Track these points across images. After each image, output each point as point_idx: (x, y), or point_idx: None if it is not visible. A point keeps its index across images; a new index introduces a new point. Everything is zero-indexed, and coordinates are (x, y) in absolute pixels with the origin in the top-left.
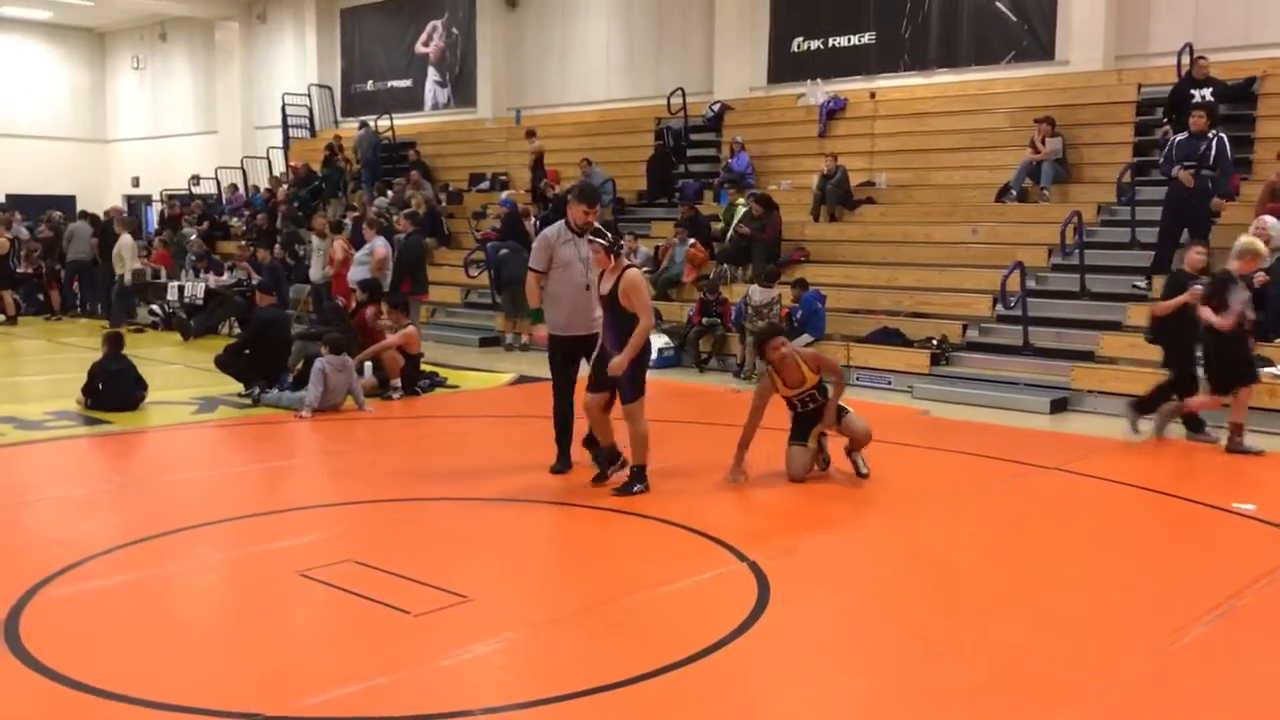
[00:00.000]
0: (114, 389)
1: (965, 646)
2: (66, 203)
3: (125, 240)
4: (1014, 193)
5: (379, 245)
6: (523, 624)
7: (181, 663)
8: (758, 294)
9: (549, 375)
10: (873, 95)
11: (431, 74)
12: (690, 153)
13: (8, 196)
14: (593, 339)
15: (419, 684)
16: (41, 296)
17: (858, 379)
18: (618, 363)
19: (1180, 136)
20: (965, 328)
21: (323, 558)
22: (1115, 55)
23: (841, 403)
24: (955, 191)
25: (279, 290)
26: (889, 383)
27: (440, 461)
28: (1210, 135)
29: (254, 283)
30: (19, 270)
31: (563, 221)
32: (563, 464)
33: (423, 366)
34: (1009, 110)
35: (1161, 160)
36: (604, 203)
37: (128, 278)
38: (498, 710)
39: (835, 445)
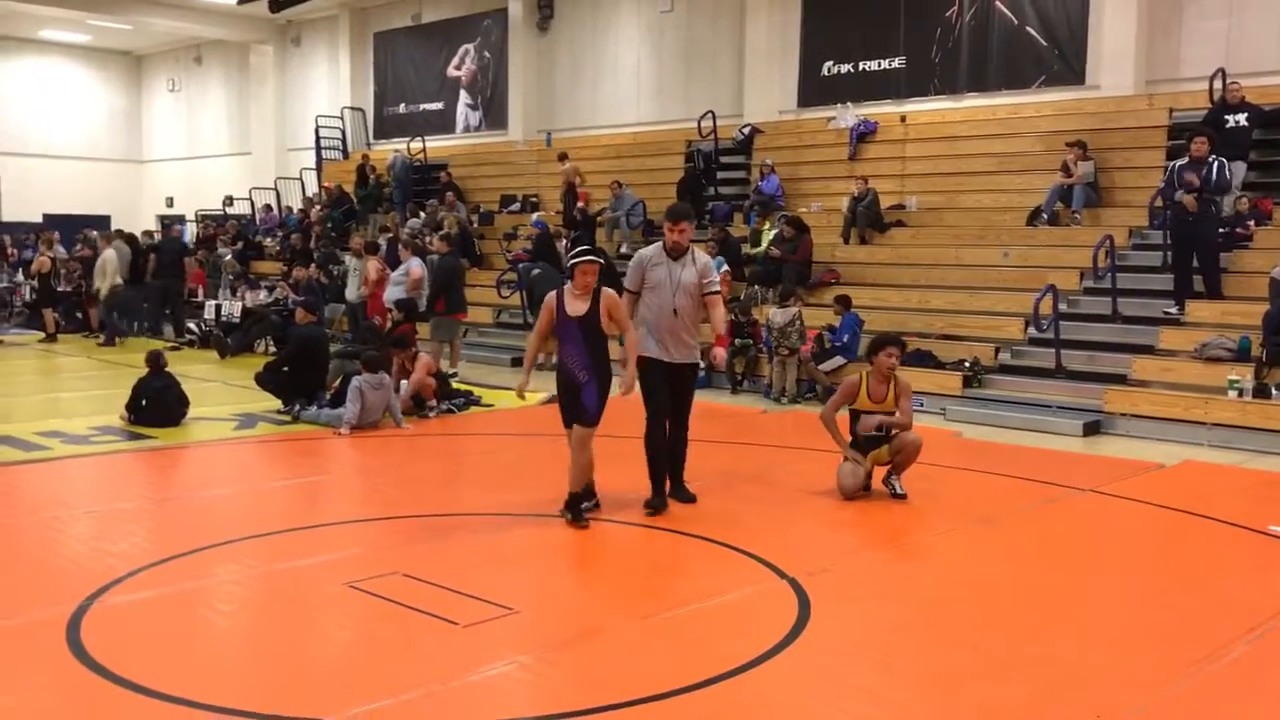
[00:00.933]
0: (157, 405)
1: (1009, 664)
2: (102, 223)
3: (109, 254)
4: (1045, 216)
5: (415, 265)
6: (568, 636)
7: (235, 669)
8: (777, 315)
9: None
10: (903, 119)
11: (463, 97)
12: (720, 175)
13: (45, 216)
14: (685, 369)
15: (468, 692)
16: (80, 315)
17: None
18: (629, 383)
19: (1181, 162)
20: (997, 350)
21: (370, 570)
22: (1146, 80)
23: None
24: (986, 214)
25: (318, 309)
26: (921, 404)
27: (479, 478)
28: (1210, 160)
29: (290, 302)
30: (59, 289)
31: (660, 243)
32: (659, 500)
33: (457, 385)
34: (1039, 134)
35: (1163, 186)
36: (632, 224)
37: (103, 291)
38: (546, 719)
39: (875, 469)
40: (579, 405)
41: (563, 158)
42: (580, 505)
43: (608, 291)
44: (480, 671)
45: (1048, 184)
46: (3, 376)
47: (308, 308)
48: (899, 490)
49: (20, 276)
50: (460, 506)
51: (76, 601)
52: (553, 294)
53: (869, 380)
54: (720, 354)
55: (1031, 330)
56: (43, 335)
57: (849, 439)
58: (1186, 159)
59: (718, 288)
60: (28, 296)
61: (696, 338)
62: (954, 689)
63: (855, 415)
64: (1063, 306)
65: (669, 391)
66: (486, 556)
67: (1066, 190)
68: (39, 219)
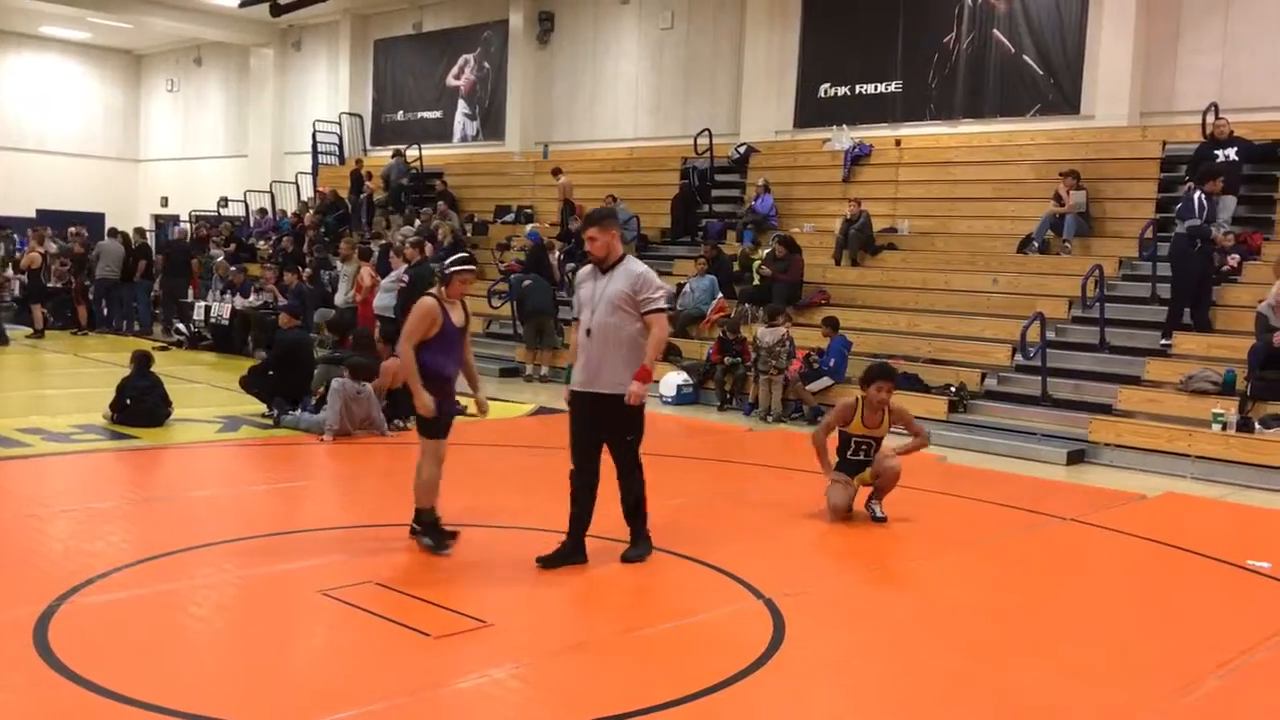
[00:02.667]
0: (141, 405)
1: (978, 691)
2: (96, 220)
3: (106, 243)
4: (1036, 244)
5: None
6: (540, 650)
7: (205, 674)
8: (766, 335)
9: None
10: (898, 143)
11: (461, 106)
12: (715, 193)
13: (38, 212)
14: (604, 400)
15: (438, 704)
16: (69, 312)
17: None
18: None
19: (1203, 196)
20: (984, 376)
21: (344, 578)
22: (1140, 111)
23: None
24: (977, 240)
25: (304, 314)
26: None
27: (461, 488)
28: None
29: (280, 305)
30: (48, 285)
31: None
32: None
33: None
34: (1033, 162)
35: (1194, 221)
36: (626, 239)
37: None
38: None
39: (862, 493)
40: (451, 414)
41: (556, 173)
42: (442, 527)
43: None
44: (451, 684)
45: (1039, 212)
46: None
47: (291, 312)
48: (880, 514)
49: (10, 272)
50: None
51: (46, 601)
52: (432, 301)
53: (863, 407)
54: (634, 389)
55: (1019, 357)
56: (30, 331)
57: (835, 460)
58: (1202, 193)
59: (661, 304)
60: (16, 292)
61: (631, 365)
62: (921, 715)
63: (845, 439)
64: (1050, 335)
65: (590, 429)
66: (462, 568)
67: (1058, 219)
68: (33, 214)
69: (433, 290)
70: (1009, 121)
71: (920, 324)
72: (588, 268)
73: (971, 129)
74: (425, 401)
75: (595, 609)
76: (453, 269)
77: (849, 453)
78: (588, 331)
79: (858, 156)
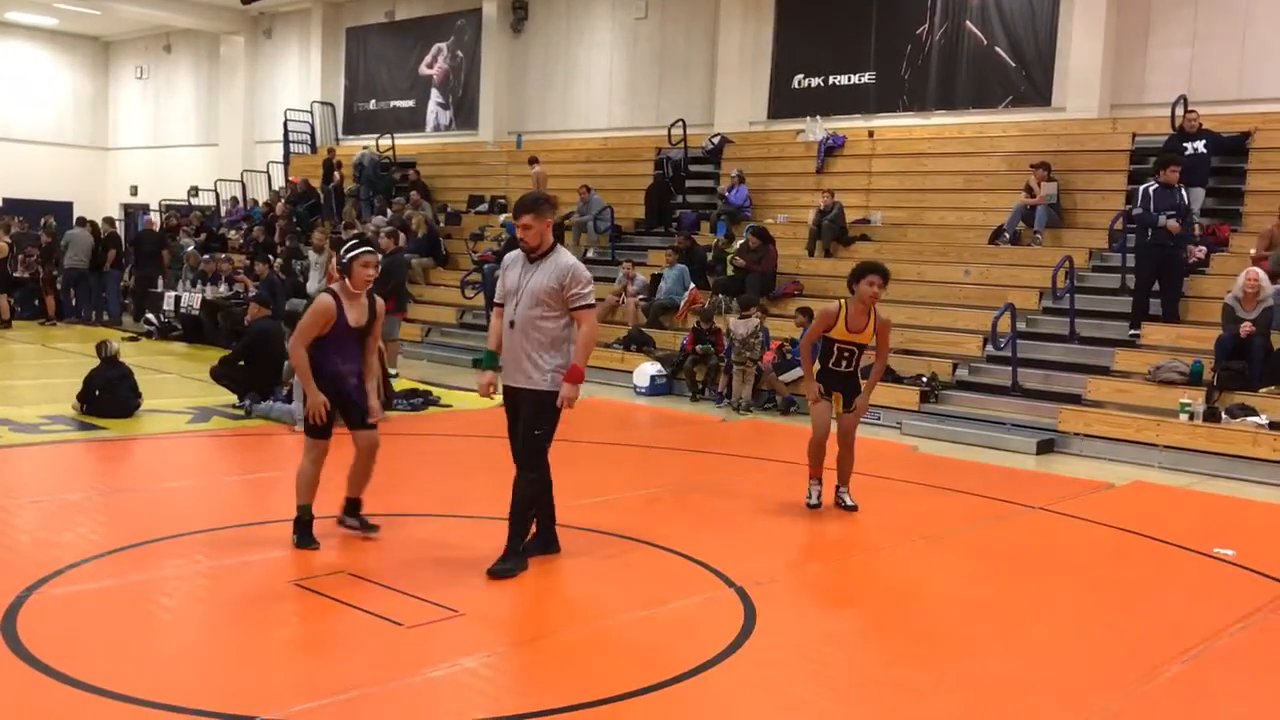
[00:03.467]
0: (110, 396)
1: (946, 678)
2: (64, 209)
3: (76, 232)
4: (1007, 235)
5: None
6: (511, 640)
7: (176, 664)
8: (740, 326)
9: None
10: (871, 134)
11: (434, 95)
12: (689, 183)
13: (5, 200)
14: (521, 394)
15: (410, 693)
16: (37, 301)
17: None
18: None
19: (1153, 187)
20: (955, 366)
21: (316, 568)
22: (1111, 104)
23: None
24: (949, 232)
25: (274, 303)
26: (878, 418)
27: (433, 479)
28: (1178, 187)
29: (250, 295)
30: (15, 275)
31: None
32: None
33: (416, 385)
34: (1005, 154)
35: (1138, 210)
36: (599, 229)
37: (66, 262)
38: None
39: (828, 482)
40: (364, 407)
41: (533, 161)
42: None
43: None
44: (423, 673)
45: (1011, 203)
46: None
47: (260, 302)
48: (849, 503)
49: None
50: (411, 507)
51: (14, 593)
52: (328, 299)
53: (849, 309)
54: (567, 393)
55: (990, 348)
56: None
57: (818, 368)
58: (1156, 184)
59: (589, 300)
60: None
61: (548, 359)
62: (888, 701)
63: (828, 346)
64: (1021, 325)
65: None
66: (434, 558)
67: (1029, 210)
68: None
69: (333, 286)
70: (981, 113)
71: (892, 315)
72: (516, 253)
73: (944, 120)
74: (315, 401)
75: (566, 598)
76: (349, 255)
77: (830, 361)
78: (511, 322)
79: (831, 147)
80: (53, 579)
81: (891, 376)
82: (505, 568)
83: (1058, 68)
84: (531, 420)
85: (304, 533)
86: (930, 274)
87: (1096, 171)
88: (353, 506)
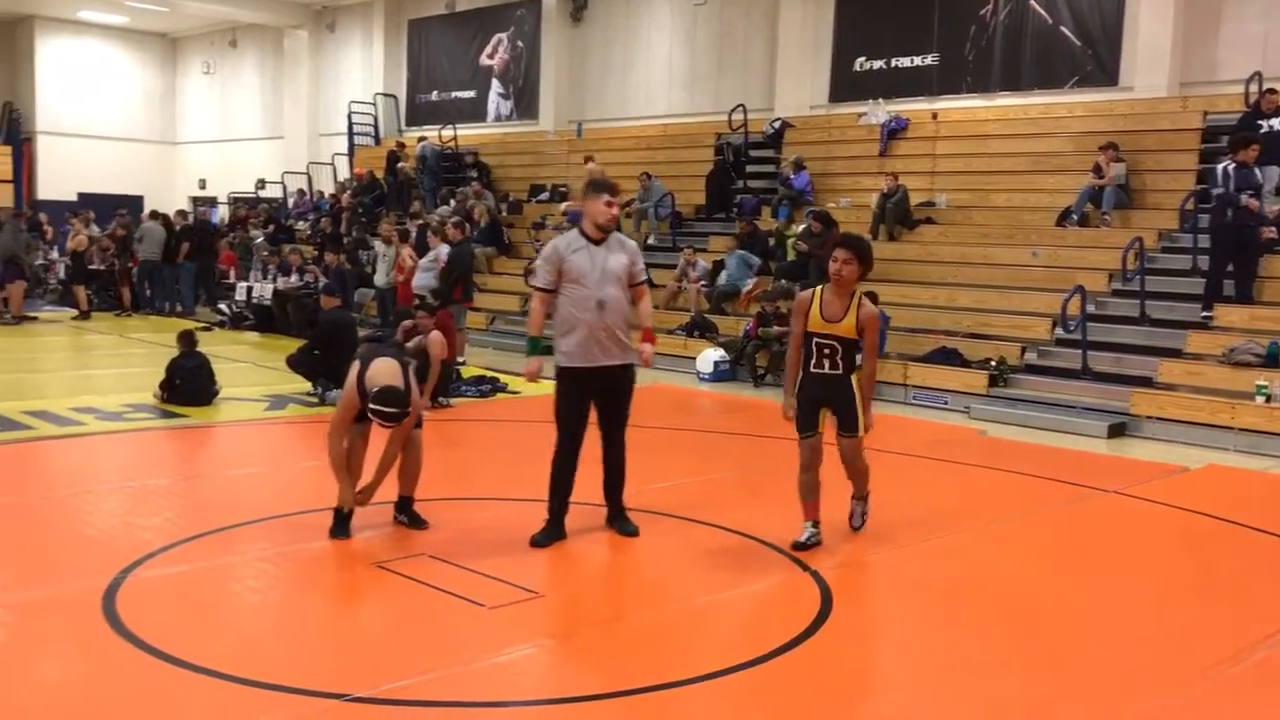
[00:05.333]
0: (190, 384)
1: (1027, 661)
2: (136, 203)
3: (149, 225)
4: (1075, 217)
5: (443, 253)
6: (592, 621)
7: (267, 643)
8: None
9: None
10: (934, 116)
11: (495, 86)
12: (750, 169)
13: (80, 195)
14: (624, 370)
15: (494, 673)
16: (112, 293)
17: (914, 398)
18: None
19: (1230, 165)
20: (1024, 350)
21: (397, 551)
22: (1181, 82)
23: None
24: (1015, 214)
25: (344, 294)
26: (945, 402)
27: (505, 463)
28: (1254, 166)
29: (320, 286)
30: (91, 267)
31: (576, 229)
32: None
33: (484, 372)
34: (1071, 135)
35: (1219, 189)
36: (660, 216)
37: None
38: (569, 700)
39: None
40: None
41: (588, 160)
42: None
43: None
44: (505, 653)
45: (1078, 185)
46: (38, 353)
47: (330, 293)
48: (857, 524)
49: (55, 254)
50: (485, 490)
51: (111, 574)
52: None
53: (823, 294)
54: (649, 351)
55: (1059, 331)
56: (76, 313)
57: (800, 377)
58: (1233, 163)
59: (646, 277)
60: (61, 274)
61: (630, 335)
62: (969, 682)
63: (807, 343)
64: (1091, 308)
65: (592, 405)
66: (512, 541)
67: (1097, 192)
68: (74, 198)
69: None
70: (1046, 94)
71: (959, 298)
72: (569, 238)
73: (1009, 101)
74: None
75: (642, 581)
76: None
77: (812, 362)
78: (599, 304)
79: (894, 130)
80: (146, 561)
81: (959, 360)
82: (635, 527)
83: (1125, 46)
84: (625, 394)
85: (339, 524)
86: (997, 257)
87: (1166, 151)
88: (404, 503)
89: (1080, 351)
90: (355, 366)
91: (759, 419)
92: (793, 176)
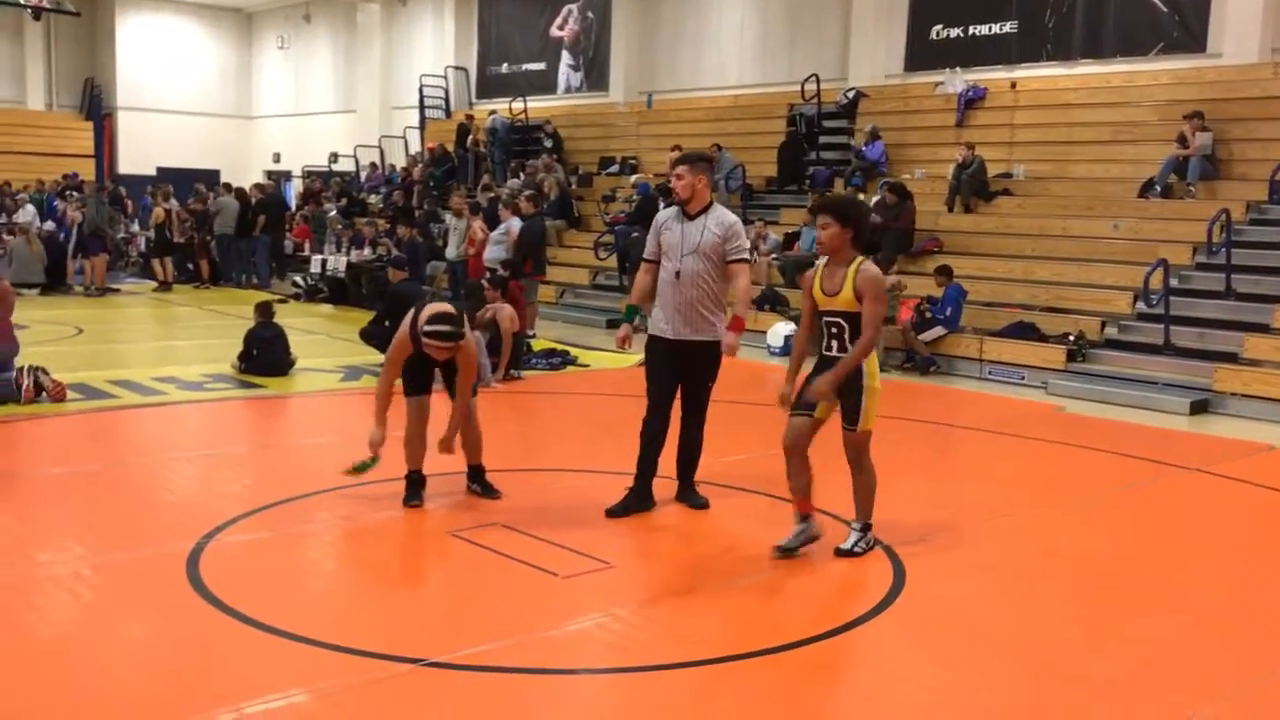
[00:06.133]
0: (266, 355)
1: (1105, 638)
2: (212, 177)
3: (225, 200)
4: (1158, 188)
5: (514, 225)
6: (663, 592)
7: (342, 608)
8: None
9: None
10: (1013, 85)
11: (565, 57)
12: (822, 140)
13: (159, 170)
14: (696, 346)
15: (565, 641)
16: (191, 266)
17: (990, 373)
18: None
19: None
20: (1104, 324)
21: (471, 520)
22: (1272, 48)
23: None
24: (1096, 185)
25: (415, 266)
26: (1022, 378)
27: (576, 435)
28: None
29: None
30: (172, 240)
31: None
32: (629, 501)
33: (554, 345)
34: (1155, 104)
35: None
36: (731, 188)
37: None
38: (640, 669)
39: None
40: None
41: (675, 150)
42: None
43: None
44: (577, 622)
45: (1162, 155)
46: (120, 324)
47: (398, 265)
48: (845, 546)
49: (136, 227)
50: (556, 462)
51: (194, 539)
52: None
53: (824, 268)
54: (731, 341)
55: (1140, 305)
56: (156, 285)
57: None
58: None
59: (744, 254)
60: (143, 247)
61: (718, 312)
62: (1045, 660)
63: (819, 321)
64: (1174, 281)
65: (673, 375)
66: (584, 512)
67: (1182, 162)
68: (153, 172)
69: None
70: (1130, 61)
71: (1037, 271)
72: (671, 211)
73: (1090, 70)
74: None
75: (714, 553)
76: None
77: (823, 345)
78: (676, 274)
79: (971, 100)
80: (227, 527)
81: (1037, 335)
82: (704, 500)
83: (1214, 12)
84: (702, 372)
85: (412, 489)
86: (1076, 229)
87: (1256, 120)
88: (474, 473)
89: (1162, 326)
90: (410, 314)
91: None
92: (866, 147)
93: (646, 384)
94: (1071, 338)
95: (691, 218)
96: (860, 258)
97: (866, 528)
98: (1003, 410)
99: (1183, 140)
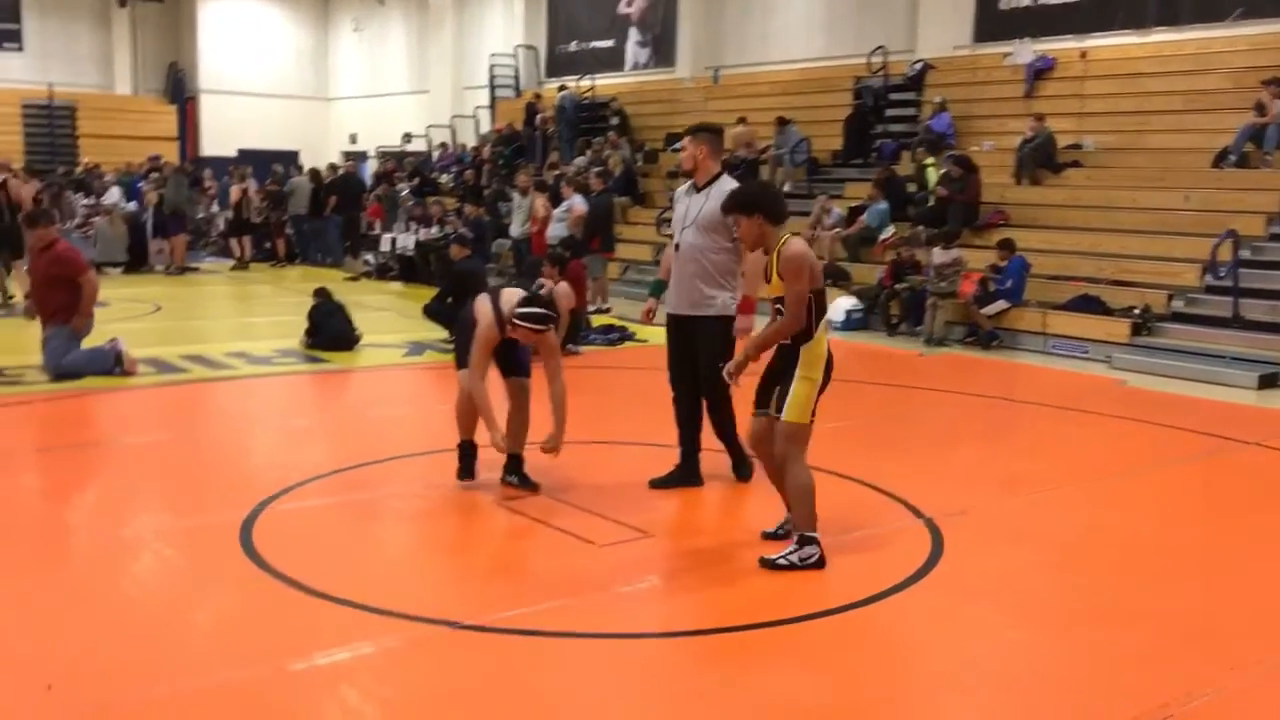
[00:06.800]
0: (330, 330)
1: (1138, 611)
2: (291, 158)
3: (298, 180)
4: (1233, 158)
5: (577, 202)
6: (700, 561)
7: (385, 573)
8: (939, 254)
9: None
10: (1083, 55)
11: (633, 34)
12: (889, 112)
13: (239, 152)
14: (694, 322)
15: (601, 607)
16: (268, 245)
17: (1053, 347)
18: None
19: None
20: (1170, 297)
21: (518, 491)
22: None
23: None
24: (1168, 156)
25: (480, 244)
26: (1085, 352)
27: (627, 409)
28: None
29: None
30: (250, 220)
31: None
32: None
33: (613, 320)
34: (1231, 70)
35: None
36: (796, 162)
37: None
38: (674, 635)
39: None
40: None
41: (740, 121)
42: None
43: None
44: (614, 589)
45: (1237, 124)
46: (199, 301)
47: (460, 242)
48: (777, 560)
49: (216, 207)
50: (606, 435)
51: (250, 506)
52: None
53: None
54: (741, 324)
55: (1209, 277)
56: (233, 263)
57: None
58: None
59: None
60: (222, 227)
61: (720, 288)
62: (1076, 632)
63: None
64: (1245, 253)
65: (681, 353)
66: (627, 483)
67: (1259, 130)
68: (235, 154)
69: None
70: (1206, 28)
71: (1103, 244)
72: (687, 184)
73: (1164, 37)
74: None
75: (754, 523)
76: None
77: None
78: (677, 248)
79: (1040, 70)
80: (282, 495)
81: (1101, 308)
82: (745, 474)
83: None
84: (707, 350)
85: (465, 465)
86: (1145, 200)
87: None
88: (514, 463)
89: (1231, 299)
90: (485, 301)
91: (889, 368)
92: (932, 119)
93: None
94: (1137, 311)
95: (700, 190)
96: (785, 237)
97: (806, 540)
98: (1063, 385)
99: (1260, 108)
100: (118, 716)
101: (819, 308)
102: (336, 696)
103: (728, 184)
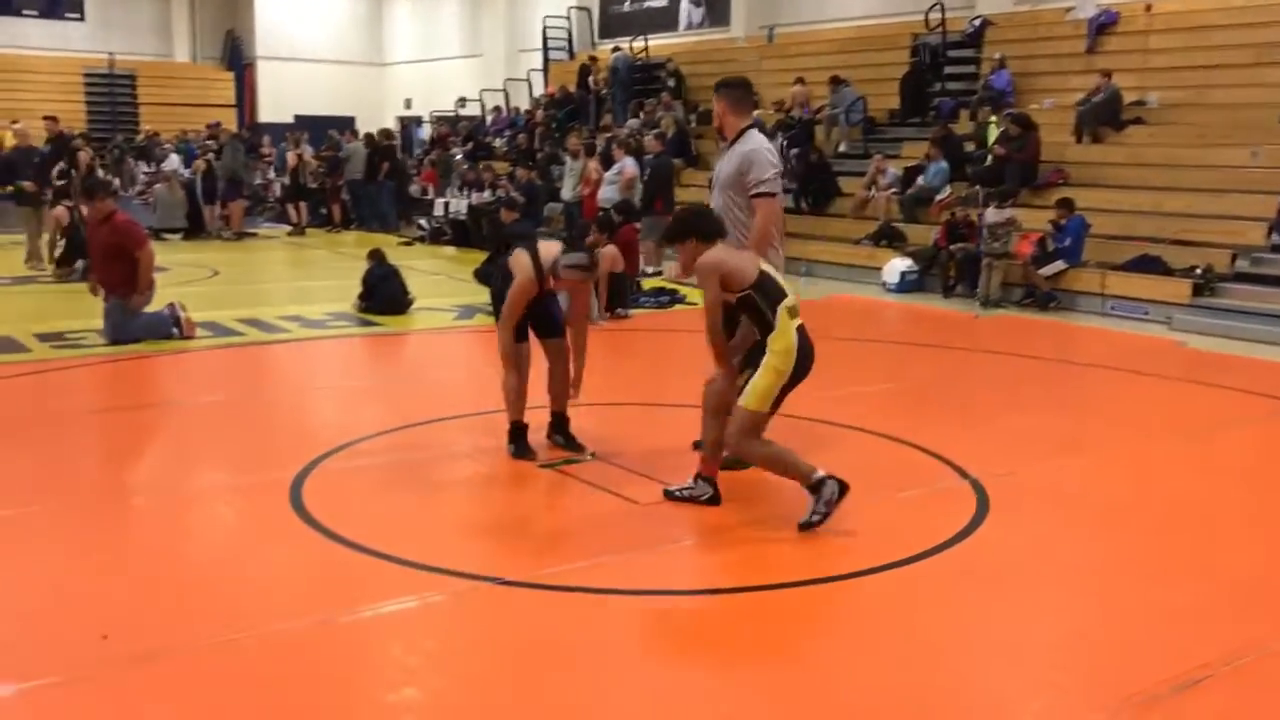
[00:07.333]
0: (383, 294)
1: (1184, 571)
2: (347, 124)
3: (354, 145)
4: None
5: (628, 165)
6: (745, 519)
7: (430, 530)
8: (992, 214)
9: None
10: (1148, 8)
11: None
12: (947, 70)
13: (296, 118)
14: None
15: (642, 564)
16: (324, 210)
17: (1112, 308)
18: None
19: None
20: (1235, 257)
21: (563, 452)
22: None
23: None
24: (1236, 111)
25: (532, 208)
26: (1145, 313)
27: (675, 371)
28: None
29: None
30: (306, 186)
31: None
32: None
33: (664, 284)
34: None
35: None
36: (851, 122)
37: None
38: (715, 592)
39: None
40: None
41: (798, 81)
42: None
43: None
44: (653, 548)
45: None
46: (256, 265)
47: (510, 206)
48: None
49: (273, 173)
50: (653, 397)
51: (301, 465)
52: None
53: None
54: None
55: (1275, 236)
56: (290, 228)
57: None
58: None
59: (767, 188)
60: (278, 193)
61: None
62: (1120, 590)
63: None
64: None
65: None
66: (672, 445)
67: None
68: (292, 120)
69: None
70: None
71: (1166, 203)
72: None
73: None
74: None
75: (791, 485)
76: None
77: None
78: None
79: (1103, 25)
80: (333, 454)
81: (1162, 269)
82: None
83: None
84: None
85: (519, 442)
86: (1212, 158)
87: None
88: (559, 422)
89: None
90: (523, 254)
91: (943, 330)
92: (992, 76)
93: None
94: (1199, 271)
95: (730, 146)
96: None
97: (703, 478)
98: (1121, 346)
99: None
100: (169, 665)
101: (767, 302)
102: (382, 648)
103: (751, 141)
